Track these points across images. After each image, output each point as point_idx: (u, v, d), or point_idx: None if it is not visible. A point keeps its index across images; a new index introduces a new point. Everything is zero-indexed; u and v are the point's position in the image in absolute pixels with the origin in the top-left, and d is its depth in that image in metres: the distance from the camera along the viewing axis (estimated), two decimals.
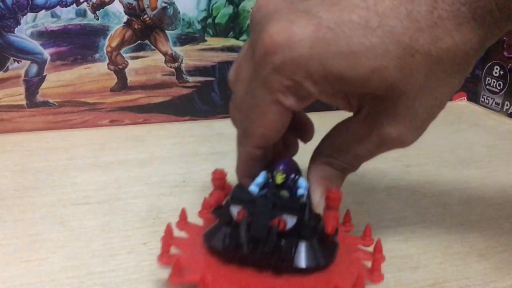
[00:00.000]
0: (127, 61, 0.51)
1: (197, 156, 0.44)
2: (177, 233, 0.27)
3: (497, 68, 0.59)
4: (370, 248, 0.26)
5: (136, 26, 0.50)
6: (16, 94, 0.49)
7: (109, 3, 0.48)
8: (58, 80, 0.50)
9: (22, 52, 0.48)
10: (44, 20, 0.47)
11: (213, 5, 0.51)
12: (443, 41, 0.21)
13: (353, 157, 0.26)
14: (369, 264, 0.25)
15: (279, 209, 0.24)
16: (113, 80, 0.51)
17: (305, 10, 0.22)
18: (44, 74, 0.49)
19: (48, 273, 0.27)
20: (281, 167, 0.25)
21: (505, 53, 0.58)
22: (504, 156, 0.46)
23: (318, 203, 0.26)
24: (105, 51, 0.50)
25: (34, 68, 0.49)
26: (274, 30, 0.22)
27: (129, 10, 0.49)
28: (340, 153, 0.26)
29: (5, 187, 0.38)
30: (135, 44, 0.50)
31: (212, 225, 0.26)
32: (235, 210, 0.24)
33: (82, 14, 0.48)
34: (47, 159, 0.43)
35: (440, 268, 0.28)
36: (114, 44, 0.50)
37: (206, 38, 0.52)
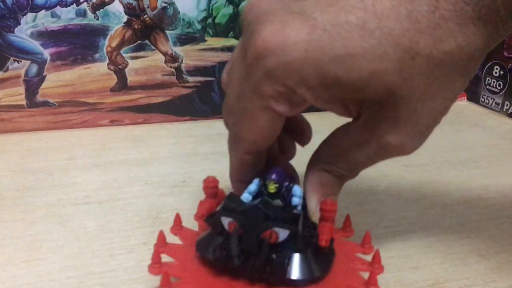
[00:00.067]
0: (127, 61, 0.51)
1: (197, 156, 0.44)
2: (172, 238, 0.26)
3: (497, 68, 0.59)
4: (369, 257, 0.25)
5: (136, 26, 0.50)
6: (16, 94, 0.49)
7: (109, 3, 0.48)
8: (58, 80, 0.50)
9: (22, 52, 0.48)
10: (44, 20, 0.47)
11: (213, 5, 0.51)
12: (446, 43, 0.20)
13: (352, 164, 0.25)
14: (366, 275, 0.24)
15: (271, 221, 0.23)
16: (113, 80, 0.51)
17: (300, 11, 0.21)
18: (44, 74, 0.49)
19: (48, 273, 0.27)
20: (273, 176, 0.24)
21: (505, 53, 0.58)
22: (504, 156, 0.46)
23: (314, 211, 0.25)
24: (105, 51, 0.50)
25: (34, 68, 0.49)
26: (266, 32, 0.21)
27: (129, 10, 0.49)
28: (338, 160, 0.25)
29: (5, 187, 0.38)
30: (135, 44, 0.50)
31: (205, 233, 0.25)
32: (226, 221, 0.23)
33: (82, 14, 0.48)
34: (47, 159, 0.43)
35: (440, 268, 0.28)
36: (114, 44, 0.50)
37: (206, 38, 0.52)
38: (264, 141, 0.25)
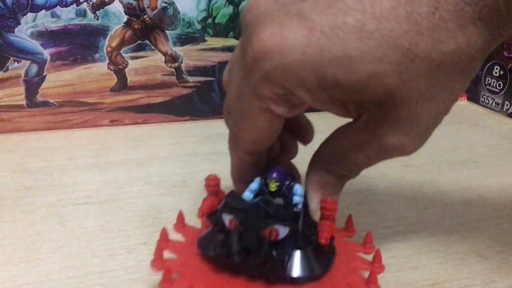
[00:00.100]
0: (127, 61, 0.51)
1: (197, 156, 0.45)
2: (175, 235, 0.26)
3: (497, 68, 0.59)
4: (371, 257, 0.25)
5: (136, 26, 0.50)
6: (16, 94, 0.49)
7: (109, 3, 0.48)
8: (58, 80, 0.50)
9: (22, 52, 0.48)
10: (44, 20, 0.47)
11: (213, 5, 0.51)
12: (445, 44, 0.20)
13: (352, 164, 0.25)
14: (367, 274, 0.24)
15: (271, 219, 0.23)
16: (113, 80, 0.51)
17: (298, 13, 0.21)
18: (44, 74, 0.49)
19: (48, 273, 0.27)
20: (274, 175, 0.25)
21: (505, 53, 0.58)
22: (504, 156, 0.46)
23: (315, 210, 0.25)
24: (105, 51, 0.50)
25: (34, 68, 0.49)
26: (265, 34, 0.21)
27: (129, 10, 0.49)
28: (339, 160, 0.25)
29: (5, 187, 0.38)
30: (135, 44, 0.50)
31: (207, 230, 0.25)
32: (227, 218, 0.23)
33: (82, 14, 0.48)
34: (47, 159, 0.43)
35: (440, 268, 0.28)
36: (114, 44, 0.50)
37: (206, 38, 0.52)
38: (263, 142, 0.25)
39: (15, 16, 0.46)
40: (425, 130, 0.23)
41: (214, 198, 0.27)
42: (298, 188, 0.25)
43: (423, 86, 0.21)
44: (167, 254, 0.24)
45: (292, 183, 0.25)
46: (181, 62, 0.52)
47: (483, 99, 0.62)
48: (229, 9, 0.52)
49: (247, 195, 0.25)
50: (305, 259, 0.23)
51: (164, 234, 0.25)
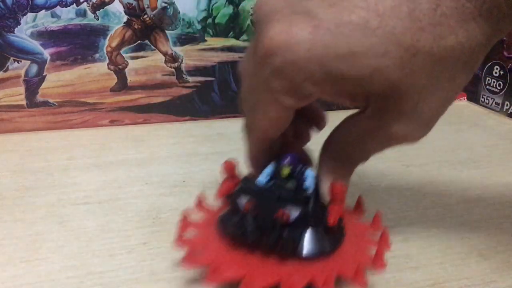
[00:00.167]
0: (127, 61, 0.51)
1: (197, 156, 0.44)
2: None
3: (497, 68, 0.59)
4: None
5: (136, 26, 0.50)
6: (16, 94, 0.49)
7: (109, 3, 0.48)
8: (58, 80, 0.50)
9: (22, 52, 0.48)
10: (44, 20, 0.47)
11: (213, 5, 0.51)
12: (446, 39, 0.21)
13: (361, 150, 0.27)
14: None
15: (283, 202, 0.25)
16: (113, 80, 0.51)
17: (304, 11, 0.22)
18: (44, 74, 0.49)
19: (48, 273, 0.27)
20: (286, 160, 0.26)
21: (505, 53, 0.58)
22: (504, 156, 0.46)
23: (326, 194, 0.27)
24: (105, 51, 0.50)
25: (34, 68, 0.49)
26: (274, 31, 0.22)
27: (129, 10, 0.49)
28: (348, 146, 0.27)
29: (5, 187, 0.38)
30: (135, 44, 0.50)
31: (225, 210, 0.27)
32: (242, 200, 0.26)
33: (82, 14, 0.48)
34: (47, 159, 0.43)
35: (440, 268, 0.28)
36: (114, 44, 0.50)
37: (206, 38, 0.52)
38: (275, 130, 0.26)
39: (15, 16, 0.46)
40: (429, 119, 0.24)
41: (231, 181, 0.29)
42: (309, 173, 0.26)
43: (424, 80, 0.22)
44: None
45: (304, 168, 0.27)
46: (181, 62, 0.52)
47: (483, 99, 0.62)
48: (229, 9, 0.52)
49: (261, 179, 0.26)
50: (315, 237, 0.25)
51: (186, 216, 0.27)
